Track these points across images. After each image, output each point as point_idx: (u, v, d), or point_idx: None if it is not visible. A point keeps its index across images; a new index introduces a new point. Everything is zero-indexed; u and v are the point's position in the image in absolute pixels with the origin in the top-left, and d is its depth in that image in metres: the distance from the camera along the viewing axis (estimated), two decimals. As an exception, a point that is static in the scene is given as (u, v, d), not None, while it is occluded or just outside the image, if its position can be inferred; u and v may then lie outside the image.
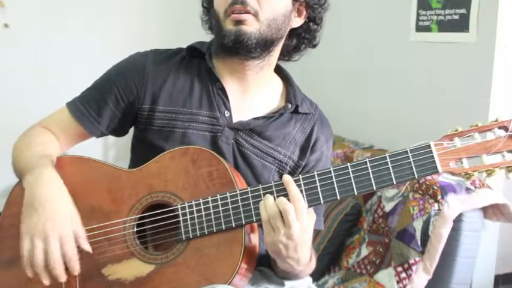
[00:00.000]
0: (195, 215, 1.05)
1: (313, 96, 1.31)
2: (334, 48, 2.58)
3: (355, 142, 2.33)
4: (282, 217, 0.99)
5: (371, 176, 1.00)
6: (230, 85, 1.20)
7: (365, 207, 1.94)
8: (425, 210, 1.66)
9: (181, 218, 1.06)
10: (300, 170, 1.23)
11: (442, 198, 1.61)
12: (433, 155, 0.98)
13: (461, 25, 1.96)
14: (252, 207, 1.03)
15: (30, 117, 1.27)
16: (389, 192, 1.84)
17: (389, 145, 2.15)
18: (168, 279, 1.04)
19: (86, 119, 1.21)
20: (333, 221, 1.93)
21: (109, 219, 1.10)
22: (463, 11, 1.95)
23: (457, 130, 1.00)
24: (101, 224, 1.09)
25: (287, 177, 1.01)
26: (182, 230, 1.06)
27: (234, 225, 1.04)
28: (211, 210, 1.05)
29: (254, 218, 1.03)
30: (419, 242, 1.65)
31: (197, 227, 1.05)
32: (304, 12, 1.20)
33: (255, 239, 1.09)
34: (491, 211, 1.61)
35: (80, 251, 1.05)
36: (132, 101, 1.20)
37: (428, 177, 1.67)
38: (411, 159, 0.99)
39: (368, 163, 1.00)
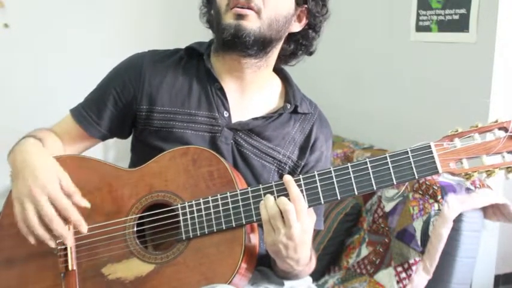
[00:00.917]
0: (195, 214, 1.05)
1: (313, 96, 1.32)
2: (334, 48, 2.58)
3: (355, 142, 2.33)
4: (283, 217, 0.99)
5: (371, 176, 1.00)
6: (229, 85, 1.20)
7: (365, 207, 1.94)
8: (425, 210, 1.66)
9: (181, 218, 1.06)
10: (299, 169, 1.23)
11: (442, 198, 1.61)
12: (433, 156, 0.98)
13: (461, 25, 1.96)
14: (252, 207, 1.04)
15: (30, 117, 1.28)
16: (389, 192, 1.84)
17: (389, 145, 2.15)
18: (168, 279, 1.04)
19: (87, 122, 1.22)
20: (333, 221, 1.93)
21: (109, 219, 1.10)
22: (463, 11, 1.94)
23: (457, 131, 1.00)
24: (101, 224, 1.10)
25: (288, 177, 1.01)
26: (182, 229, 1.06)
27: (234, 225, 1.04)
28: (212, 210, 1.05)
29: (254, 218, 1.03)
30: (419, 242, 1.65)
31: (197, 226, 1.05)
32: (305, 19, 1.20)
33: (255, 239, 1.09)
34: (491, 211, 1.61)
35: (79, 250, 1.06)
36: (130, 102, 1.20)
37: (428, 177, 1.67)
38: (411, 160, 0.99)
39: (368, 163, 1.01)
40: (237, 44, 1.11)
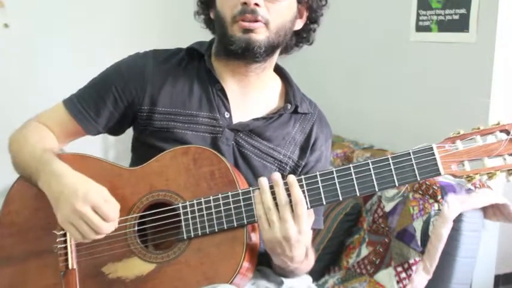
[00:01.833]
0: (197, 214, 1.05)
1: (312, 96, 1.32)
2: (334, 48, 2.59)
3: (355, 142, 2.33)
4: (278, 211, 0.99)
5: (373, 177, 1.00)
6: (230, 86, 1.20)
7: (365, 207, 1.94)
8: (425, 210, 1.66)
9: (182, 217, 1.06)
10: (300, 169, 1.23)
11: (442, 198, 1.61)
12: (435, 158, 0.98)
13: (461, 25, 1.96)
14: (254, 207, 1.03)
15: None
16: (390, 192, 1.84)
17: (389, 145, 2.15)
18: (168, 279, 1.04)
19: (84, 119, 1.21)
20: (333, 221, 1.93)
21: (110, 218, 1.09)
22: (463, 11, 1.94)
23: (459, 133, 1.00)
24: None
25: (292, 178, 1.01)
26: (183, 229, 1.06)
27: (235, 225, 1.04)
28: (213, 210, 1.05)
29: (256, 218, 1.03)
30: (419, 242, 1.65)
31: (198, 226, 1.05)
32: (305, 13, 1.21)
33: (256, 238, 1.09)
34: (491, 211, 1.61)
35: (79, 248, 1.06)
36: (131, 102, 1.20)
37: (429, 178, 1.67)
38: (413, 161, 0.99)
39: (370, 164, 1.00)
40: (246, 55, 1.12)
